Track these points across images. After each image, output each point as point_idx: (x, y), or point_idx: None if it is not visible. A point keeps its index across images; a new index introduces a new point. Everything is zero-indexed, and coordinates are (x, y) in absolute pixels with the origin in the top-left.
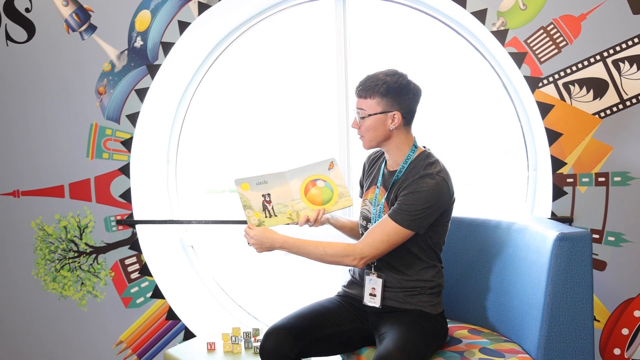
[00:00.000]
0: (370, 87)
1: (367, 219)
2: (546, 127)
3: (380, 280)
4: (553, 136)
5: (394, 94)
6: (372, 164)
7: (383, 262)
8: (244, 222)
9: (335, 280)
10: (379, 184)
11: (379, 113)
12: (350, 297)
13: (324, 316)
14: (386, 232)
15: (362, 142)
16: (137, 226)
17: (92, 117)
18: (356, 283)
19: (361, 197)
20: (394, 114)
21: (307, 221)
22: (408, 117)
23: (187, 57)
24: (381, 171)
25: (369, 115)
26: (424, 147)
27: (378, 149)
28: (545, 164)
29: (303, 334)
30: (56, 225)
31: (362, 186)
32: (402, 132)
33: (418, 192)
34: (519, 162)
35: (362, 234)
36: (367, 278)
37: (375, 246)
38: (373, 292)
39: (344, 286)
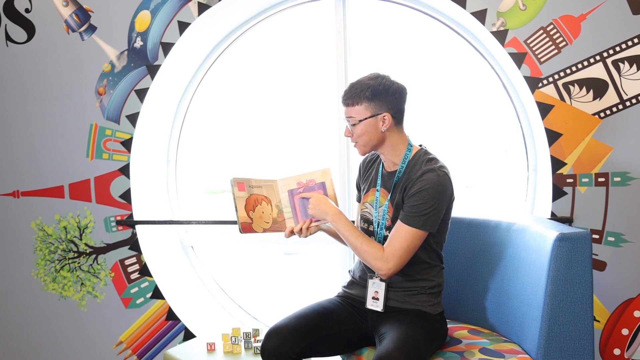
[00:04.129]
0: (356, 93)
1: (368, 221)
2: (546, 127)
3: (383, 284)
4: (553, 136)
5: (380, 96)
6: (369, 167)
7: None
8: None
9: (335, 281)
10: (378, 186)
11: (369, 117)
12: (351, 298)
13: (324, 316)
14: (403, 237)
15: (357, 149)
16: (137, 226)
17: (92, 117)
18: (356, 283)
19: (359, 201)
20: (384, 116)
21: (292, 233)
22: (398, 117)
23: (187, 58)
24: (379, 173)
25: (360, 121)
26: (420, 145)
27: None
28: (545, 164)
29: (304, 334)
30: (56, 225)
31: (359, 189)
32: (394, 132)
33: (424, 190)
34: (519, 162)
35: None
36: (370, 282)
37: (397, 254)
38: (376, 296)
39: (344, 287)
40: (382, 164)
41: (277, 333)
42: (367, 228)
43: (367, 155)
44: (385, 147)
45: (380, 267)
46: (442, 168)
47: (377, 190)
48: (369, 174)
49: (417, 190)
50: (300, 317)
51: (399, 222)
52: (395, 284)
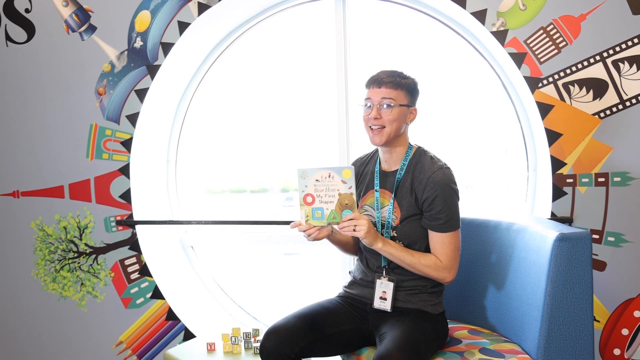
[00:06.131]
0: (399, 80)
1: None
2: (546, 128)
3: (391, 284)
4: (553, 136)
5: (414, 91)
6: (362, 169)
7: (391, 262)
8: (244, 222)
9: (335, 281)
10: (377, 187)
11: (405, 105)
12: (351, 298)
13: (324, 316)
14: (449, 242)
15: (378, 136)
16: (137, 226)
17: (92, 117)
18: (357, 283)
19: None
20: (412, 110)
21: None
22: None
23: (187, 58)
24: (376, 174)
25: (400, 105)
26: (416, 144)
27: (363, 154)
28: (545, 164)
29: (303, 334)
30: (56, 225)
31: None
32: (407, 130)
33: (441, 194)
34: (519, 162)
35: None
36: (377, 282)
37: (452, 258)
38: (384, 296)
39: (345, 287)
40: (379, 163)
41: (275, 333)
42: None
43: (357, 158)
44: (397, 143)
45: (445, 277)
46: (446, 165)
47: (377, 191)
48: (364, 177)
49: (433, 195)
50: (299, 317)
51: (436, 234)
52: (397, 283)
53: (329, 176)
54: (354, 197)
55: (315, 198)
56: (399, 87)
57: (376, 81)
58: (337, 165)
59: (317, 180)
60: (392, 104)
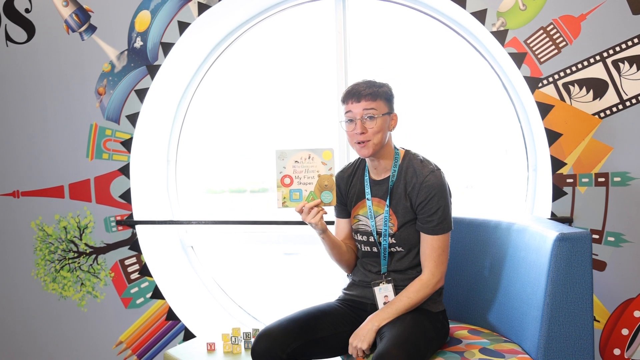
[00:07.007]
0: (376, 89)
1: (367, 233)
2: (546, 128)
3: (390, 286)
4: (553, 136)
5: (391, 97)
6: (350, 180)
7: (391, 267)
8: (244, 222)
9: (335, 282)
10: (368, 196)
11: (386, 114)
12: (351, 300)
13: (319, 319)
14: (437, 246)
15: (365, 149)
16: (137, 226)
17: (92, 117)
18: (356, 285)
19: (341, 216)
20: (393, 116)
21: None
22: None
23: (187, 58)
24: (365, 183)
25: (382, 115)
26: (402, 148)
27: (346, 165)
28: (545, 164)
29: (295, 336)
30: (56, 225)
31: (343, 204)
32: (391, 136)
33: (434, 196)
34: (519, 162)
35: (361, 248)
36: (375, 289)
37: (439, 262)
38: (386, 300)
39: (345, 289)
40: (367, 173)
41: (267, 335)
42: (368, 239)
43: (341, 172)
44: (383, 151)
45: (436, 283)
46: (437, 167)
47: (369, 200)
48: (352, 188)
49: (426, 198)
50: (292, 320)
51: (428, 237)
52: (398, 282)
53: (309, 157)
54: (334, 178)
55: (293, 179)
56: (378, 96)
57: (355, 95)
58: (317, 147)
59: (296, 161)
60: (374, 115)
